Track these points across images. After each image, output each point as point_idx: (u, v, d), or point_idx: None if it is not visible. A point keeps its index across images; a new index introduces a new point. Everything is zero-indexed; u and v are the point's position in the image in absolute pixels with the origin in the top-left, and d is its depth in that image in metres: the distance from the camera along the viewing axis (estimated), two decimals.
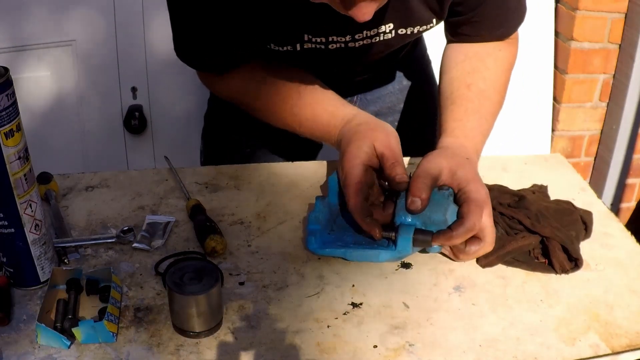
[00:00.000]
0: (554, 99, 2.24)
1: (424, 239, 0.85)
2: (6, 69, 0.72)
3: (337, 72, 1.10)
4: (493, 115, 1.01)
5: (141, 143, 2.02)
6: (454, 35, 1.06)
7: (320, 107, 0.98)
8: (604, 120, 2.25)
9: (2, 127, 0.72)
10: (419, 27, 0.98)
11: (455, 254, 0.88)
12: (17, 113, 0.74)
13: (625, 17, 2.07)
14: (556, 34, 2.18)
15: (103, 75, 1.91)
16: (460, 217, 0.85)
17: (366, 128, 0.91)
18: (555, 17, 2.17)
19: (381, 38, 0.97)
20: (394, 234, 0.85)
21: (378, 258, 0.87)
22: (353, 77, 1.17)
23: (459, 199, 0.86)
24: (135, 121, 1.95)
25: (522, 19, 1.05)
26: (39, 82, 1.87)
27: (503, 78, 1.04)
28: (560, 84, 2.20)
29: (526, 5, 1.04)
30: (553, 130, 2.27)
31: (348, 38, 0.95)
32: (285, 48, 0.96)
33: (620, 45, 2.11)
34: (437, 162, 0.87)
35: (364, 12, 0.74)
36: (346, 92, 1.19)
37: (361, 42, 0.97)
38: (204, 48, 0.98)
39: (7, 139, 0.73)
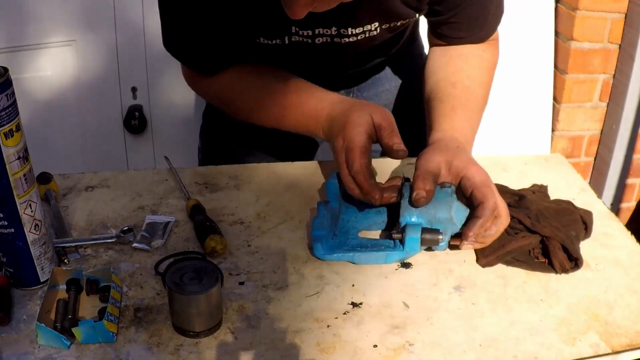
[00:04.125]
0: (554, 99, 2.24)
1: (432, 238, 0.85)
2: (6, 69, 0.72)
3: (327, 67, 1.11)
4: (480, 109, 1.02)
5: (141, 143, 2.02)
6: (436, 35, 1.08)
7: (307, 94, 0.99)
8: (604, 120, 2.25)
9: (1, 127, 0.72)
10: (402, 20, 1.00)
11: (479, 241, 0.85)
12: (17, 113, 0.74)
13: (625, 17, 2.07)
14: (556, 34, 2.18)
15: (103, 75, 1.90)
16: (477, 201, 0.85)
17: (361, 103, 0.93)
18: (555, 17, 2.17)
19: (367, 35, 0.99)
20: (401, 235, 0.85)
21: (386, 260, 0.87)
22: (344, 70, 1.17)
23: (463, 186, 0.86)
24: (135, 121, 1.95)
25: (500, 20, 1.06)
26: (39, 82, 1.86)
27: (487, 76, 1.06)
28: (560, 84, 2.20)
29: (504, 7, 1.05)
30: (553, 130, 2.27)
31: (334, 31, 0.96)
32: (274, 41, 0.97)
33: (620, 45, 2.11)
34: (434, 159, 0.87)
35: (294, 12, 0.76)
36: (341, 87, 1.19)
37: (347, 40, 0.98)
38: (193, 42, 0.99)
39: (6, 139, 0.73)
